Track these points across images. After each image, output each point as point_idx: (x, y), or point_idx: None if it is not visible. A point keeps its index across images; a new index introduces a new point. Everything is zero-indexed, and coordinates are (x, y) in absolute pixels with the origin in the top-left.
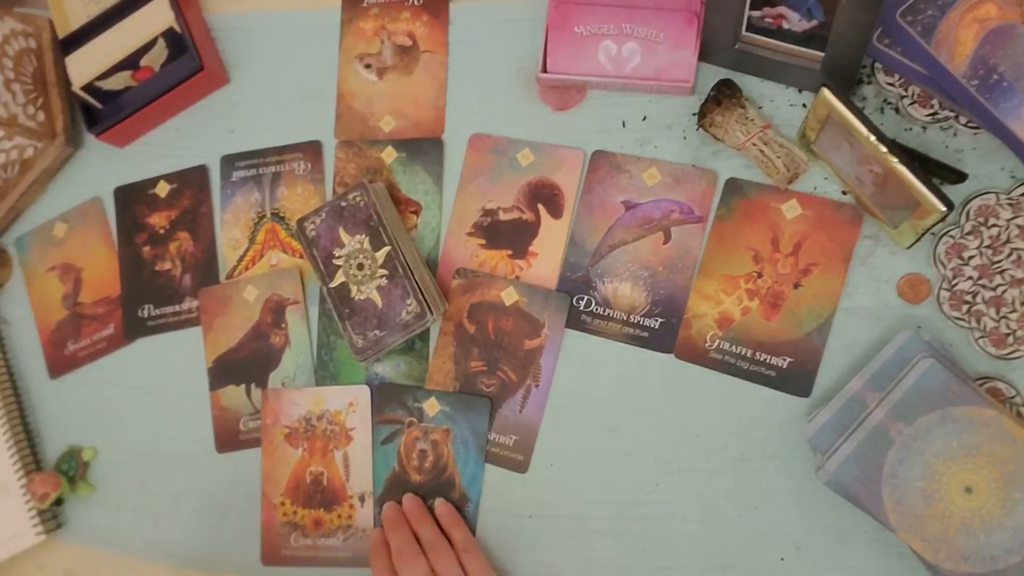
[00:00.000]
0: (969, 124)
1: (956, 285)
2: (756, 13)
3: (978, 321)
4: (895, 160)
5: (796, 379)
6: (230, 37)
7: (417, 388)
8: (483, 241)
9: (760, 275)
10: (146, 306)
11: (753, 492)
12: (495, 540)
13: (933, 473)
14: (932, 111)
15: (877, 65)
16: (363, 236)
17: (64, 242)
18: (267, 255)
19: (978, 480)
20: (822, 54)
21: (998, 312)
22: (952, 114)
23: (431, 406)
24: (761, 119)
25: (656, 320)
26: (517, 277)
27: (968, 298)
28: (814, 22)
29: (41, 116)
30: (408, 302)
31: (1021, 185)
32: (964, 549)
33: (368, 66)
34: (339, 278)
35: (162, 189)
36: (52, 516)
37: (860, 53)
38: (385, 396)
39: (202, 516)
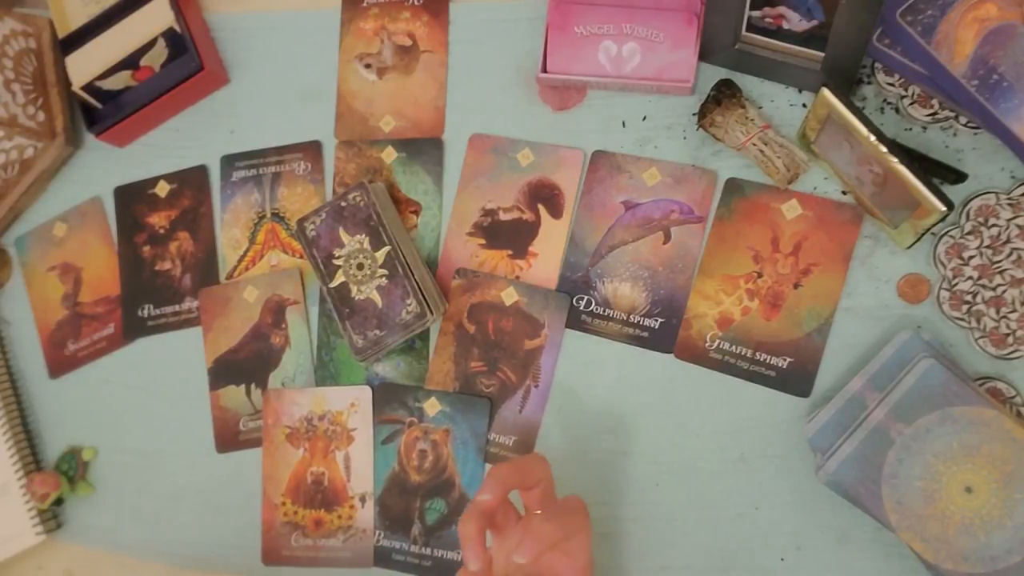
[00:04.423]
0: (969, 124)
1: (956, 285)
2: (756, 13)
3: (978, 321)
4: (895, 160)
5: (796, 379)
6: (230, 37)
7: (417, 388)
8: (483, 241)
9: (760, 275)
10: (146, 306)
11: (753, 492)
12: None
13: (933, 473)
14: (932, 111)
15: (877, 65)
16: (363, 236)
17: (64, 242)
18: (267, 255)
19: (978, 480)
20: (822, 54)
21: (998, 312)
22: (952, 114)
23: (431, 406)
24: (761, 119)
25: (656, 320)
26: (517, 277)
27: (968, 298)
28: (814, 22)
29: (41, 116)
30: (408, 302)
31: (1021, 185)
32: (964, 549)
33: (368, 66)
34: (339, 278)
35: (162, 189)
36: (52, 516)
37: (860, 53)
38: (385, 396)
39: (202, 516)
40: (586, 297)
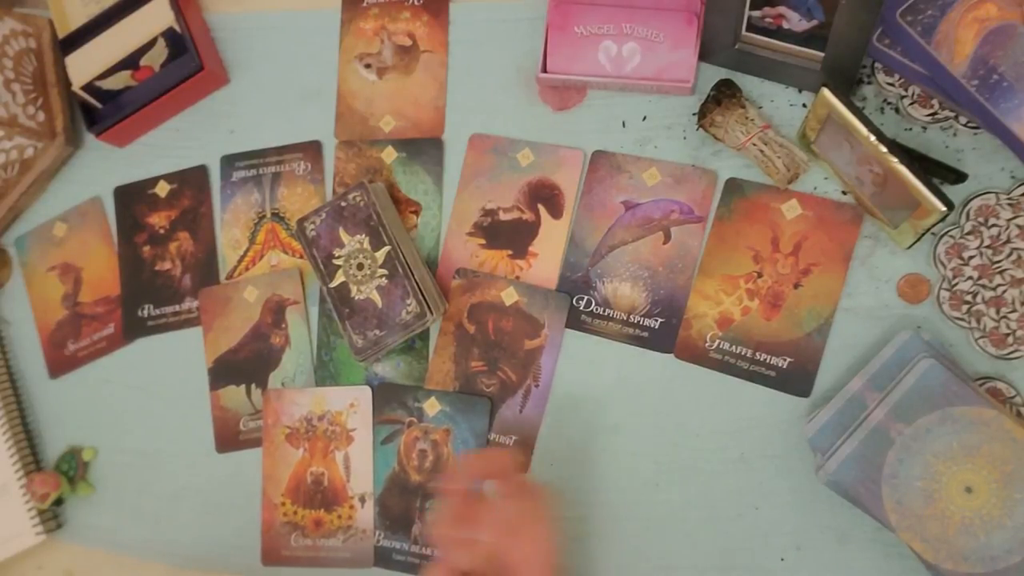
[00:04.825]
0: (969, 124)
1: (956, 285)
2: (756, 13)
3: (978, 321)
4: (895, 160)
5: (796, 379)
6: (230, 37)
7: (417, 388)
8: (483, 241)
9: (760, 275)
10: (146, 306)
11: (753, 492)
12: None
13: (933, 473)
14: (932, 111)
15: (877, 65)
16: (363, 236)
17: (64, 242)
18: (267, 255)
19: (978, 480)
20: (822, 54)
21: (998, 312)
22: (952, 114)
23: (431, 406)
24: (761, 119)
25: (656, 320)
26: (517, 277)
27: (968, 298)
28: (814, 22)
29: (41, 116)
30: (408, 302)
31: (1021, 185)
32: (964, 549)
33: (368, 66)
34: (339, 278)
35: (162, 189)
36: (52, 516)
37: (860, 53)
38: (385, 396)
39: (202, 516)
40: (586, 297)
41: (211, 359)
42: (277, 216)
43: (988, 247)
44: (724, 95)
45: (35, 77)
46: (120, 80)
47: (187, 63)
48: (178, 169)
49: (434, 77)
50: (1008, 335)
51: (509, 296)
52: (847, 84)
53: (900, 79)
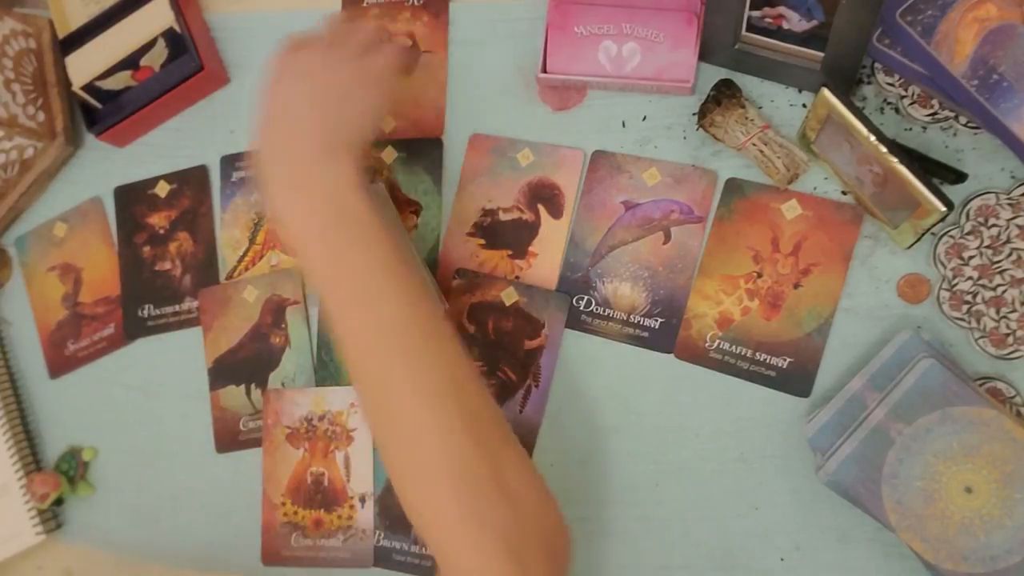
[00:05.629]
0: (969, 124)
1: (956, 285)
2: (756, 13)
3: (978, 321)
4: (895, 160)
5: (796, 379)
6: (230, 37)
7: None
8: (483, 241)
9: (760, 275)
10: (146, 306)
11: (753, 492)
12: None
13: (933, 473)
14: (932, 111)
15: (877, 65)
16: None
17: (64, 242)
18: (267, 255)
19: (978, 480)
20: (822, 54)
21: (998, 312)
22: (952, 114)
23: None
24: (761, 119)
25: (656, 320)
26: (517, 277)
27: (968, 298)
28: (814, 22)
29: (41, 116)
30: None
31: (1021, 185)
32: (964, 549)
33: None
34: None
35: (162, 189)
36: (52, 516)
37: (860, 53)
38: None
39: (202, 516)
40: (586, 297)
41: (211, 359)
42: None
43: (988, 247)
44: (724, 95)
45: (35, 77)
46: (120, 80)
47: (187, 63)
48: (178, 169)
49: (434, 77)
50: (1008, 335)
51: (509, 296)
52: (847, 84)
53: (900, 79)
